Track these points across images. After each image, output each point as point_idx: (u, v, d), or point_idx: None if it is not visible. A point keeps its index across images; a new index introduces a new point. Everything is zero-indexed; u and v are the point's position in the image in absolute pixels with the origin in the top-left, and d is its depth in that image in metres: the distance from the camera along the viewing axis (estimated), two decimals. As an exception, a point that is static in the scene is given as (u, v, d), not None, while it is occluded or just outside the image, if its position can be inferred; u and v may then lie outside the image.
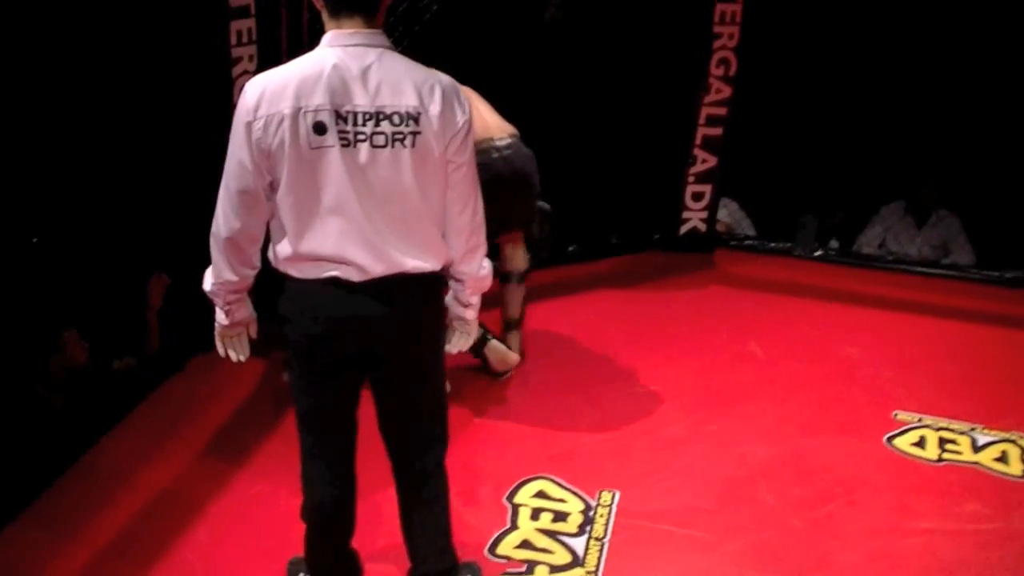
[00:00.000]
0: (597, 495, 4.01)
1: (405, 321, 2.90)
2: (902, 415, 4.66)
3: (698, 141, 5.91)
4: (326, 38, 2.77)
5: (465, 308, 3.11)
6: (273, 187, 2.77)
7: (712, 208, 6.11)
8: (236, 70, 4.60)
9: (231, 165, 2.77)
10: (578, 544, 3.76)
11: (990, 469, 4.31)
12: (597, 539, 3.79)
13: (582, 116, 5.93)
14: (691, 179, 6.00)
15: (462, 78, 3.08)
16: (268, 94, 2.70)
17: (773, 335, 5.29)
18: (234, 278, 2.91)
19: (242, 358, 3.12)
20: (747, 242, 6.32)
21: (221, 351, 3.13)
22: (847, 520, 3.97)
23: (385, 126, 2.72)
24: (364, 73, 2.72)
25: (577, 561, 3.68)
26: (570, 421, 4.52)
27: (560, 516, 3.90)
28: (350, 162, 2.72)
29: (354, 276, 2.80)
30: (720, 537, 3.83)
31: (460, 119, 2.80)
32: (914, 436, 4.54)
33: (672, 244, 6.09)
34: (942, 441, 4.50)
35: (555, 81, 5.84)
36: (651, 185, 6.07)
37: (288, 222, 2.78)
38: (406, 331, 2.92)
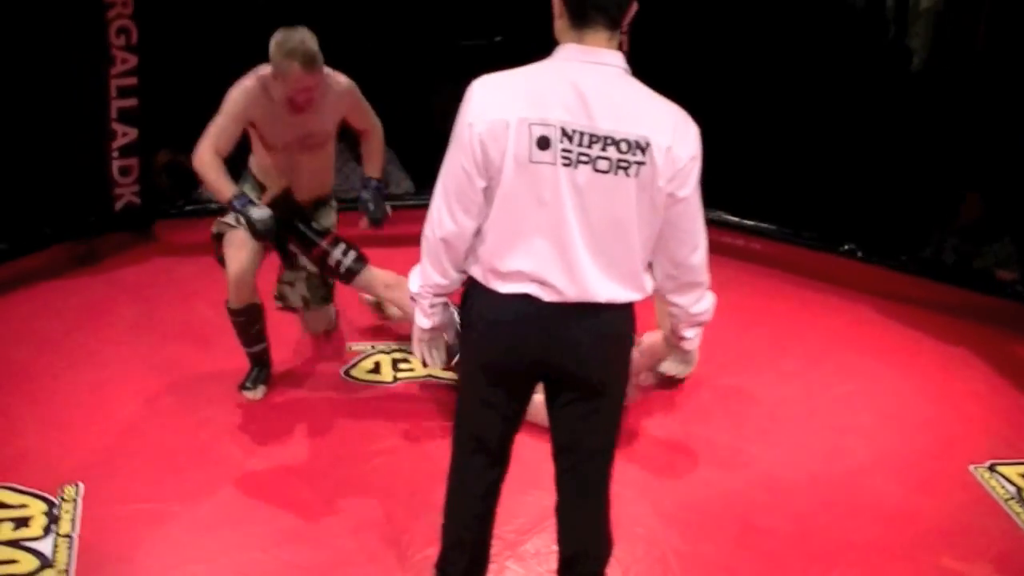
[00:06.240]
0: (59, 491, 3.85)
1: (584, 346, 2.77)
2: (356, 347, 4.88)
3: (114, 115, 5.74)
4: (562, 50, 2.69)
5: (680, 340, 3.02)
6: (487, 192, 2.68)
7: (144, 180, 5.96)
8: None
9: (451, 165, 2.71)
10: (45, 546, 3.61)
11: (440, 378, 4.63)
12: (65, 536, 3.65)
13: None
14: (115, 154, 5.83)
15: None
16: (497, 99, 2.64)
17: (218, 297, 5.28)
18: (443, 281, 2.85)
19: (439, 364, 3.09)
20: (187, 208, 6.22)
21: (418, 355, 3.08)
22: (307, 451, 4.14)
23: (611, 152, 2.61)
24: (598, 93, 2.62)
25: (46, 563, 3.53)
26: (9, 423, 4.27)
27: (22, 522, 3.71)
28: (568, 183, 2.63)
29: (545, 296, 2.72)
30: (187, 502, 3.83)
31: (687, 153, 2.67)
32: (369, 363, 4.78)
33: (109, 224, 5.90)
34: (395, 362, 4.78)
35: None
36: (76, 167, 5.83)
37: (493, 231, 2.71)
38: (584, 355, 2.78)
